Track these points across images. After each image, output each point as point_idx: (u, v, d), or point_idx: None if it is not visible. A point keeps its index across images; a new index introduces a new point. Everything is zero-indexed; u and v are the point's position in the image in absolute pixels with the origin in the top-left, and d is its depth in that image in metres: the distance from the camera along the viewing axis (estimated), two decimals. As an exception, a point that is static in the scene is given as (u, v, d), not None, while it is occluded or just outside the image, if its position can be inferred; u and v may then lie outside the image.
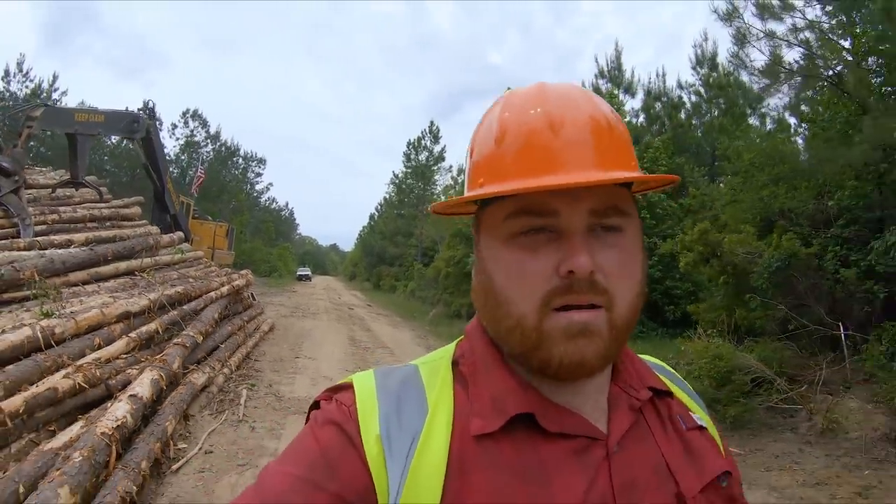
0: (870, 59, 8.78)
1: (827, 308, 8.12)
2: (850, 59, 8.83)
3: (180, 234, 13.22)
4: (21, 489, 3.34)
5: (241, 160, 54.36)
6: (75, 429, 4.25)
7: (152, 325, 6.82)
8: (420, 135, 46.21)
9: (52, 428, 4.52)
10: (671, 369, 0.88)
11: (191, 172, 36.87)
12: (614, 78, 23.30)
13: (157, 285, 8.43)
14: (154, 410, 5.05)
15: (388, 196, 51.19)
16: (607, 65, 23.41)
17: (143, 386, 4.92)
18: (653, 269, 14.00)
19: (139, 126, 12.95)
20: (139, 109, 17.30)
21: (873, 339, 7.37)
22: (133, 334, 6.25)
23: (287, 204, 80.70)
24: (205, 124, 48.63)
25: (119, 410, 4.28)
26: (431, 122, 57.27)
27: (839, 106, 9.21)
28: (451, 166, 43.85)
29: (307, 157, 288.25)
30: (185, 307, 8.02)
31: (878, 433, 6.10)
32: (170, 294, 7.76)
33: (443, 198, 37.92)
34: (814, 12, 9.42)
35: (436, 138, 45.47)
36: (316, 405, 0.73)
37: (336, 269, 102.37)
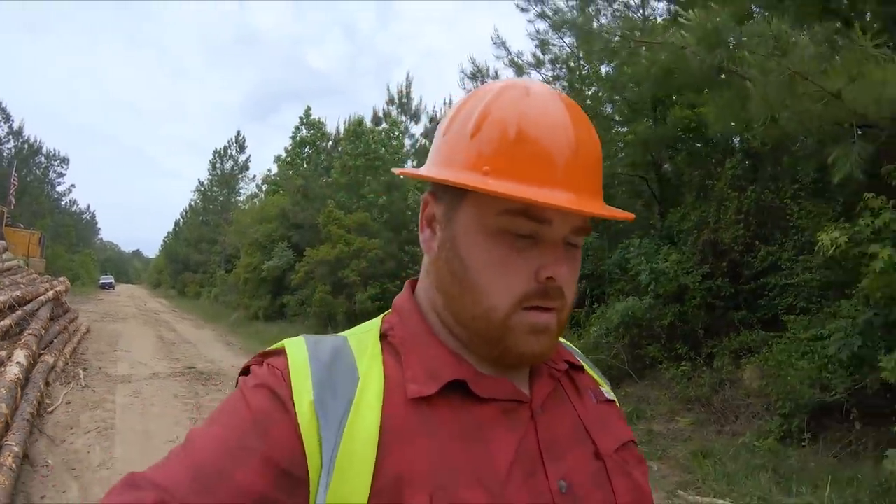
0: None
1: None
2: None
3: (3, 243, 14.78)
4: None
5: (43, 159, 52.58)
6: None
7: (6, 321, 8.97)
8: (227, 143, 47.70)
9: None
10: (579, 351, 0.96)
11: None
12: (403, 105, 26.76)
13: (2, 290, 10.44)
14: (27, 379, 7.38)
15: (193, 203, 51.69)
16: (398, 93, 26.88)
17: (21, 358, 7.26)
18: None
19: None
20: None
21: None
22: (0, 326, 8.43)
23: (89, 207, 77.69)
24: (7, 118, 47.01)
25: (14, 370, 6.67)
26: (238, 132, 58.46)
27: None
28: (254, 175, 45.71)
29: (112, 154, 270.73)
30: (25, 308, 10.13)
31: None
32: (13, 297, 9.87)
33: (243, 205, 39.50)
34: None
35: (241, 148, 47.31)
36: (245, 371, 0.73)
37: (140, 277, 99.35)
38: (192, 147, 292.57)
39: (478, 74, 14.86)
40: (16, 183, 29.10)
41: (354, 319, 17.03)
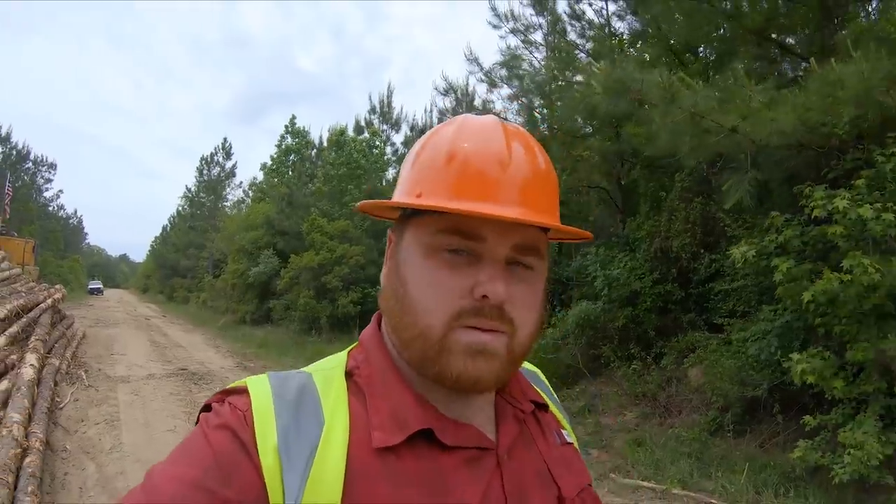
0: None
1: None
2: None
3: (2, 253, 15.63)
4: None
5: (31, 165, 53.05)
6: (2, 384, 7.44)
7: (14, 328, 9.86)
8: (213, 150, 48.47)
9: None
10: (543, 377, 0.97)
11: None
12: (384, 114, 27.68)
13: (6, 298, 11.32)
14: (39, 379, 8.27)
15: (180, 209, 52.31)
16: (379, 103, 27.81)
17: (33, 360, 8.16)
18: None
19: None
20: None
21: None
22: (8, 332, 9.32)
23: (76, 211, 78.33)
24: (-4, 126, 47.52)
25: (29, 371, 7.58)
26: (224, 139, 58.96)
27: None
28: (241, 182, 46.54)
29: (99, 157, 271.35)
30: (29, 315, 11.02)
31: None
32: (17, 305, 10.76)
33: (230, 211, 40.21)
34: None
35: (228, 155, 48.13)
36: (207, 408, 0.72)
37: (127, 282, 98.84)
38: (179, 150, 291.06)
39: (450, 90, 15.80)
40: (10, 193, 29.85)
41: (337, 323, 17.99)
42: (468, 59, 14.57)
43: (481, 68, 14.31)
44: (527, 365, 0.91)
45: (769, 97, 5.67)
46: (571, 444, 0.87)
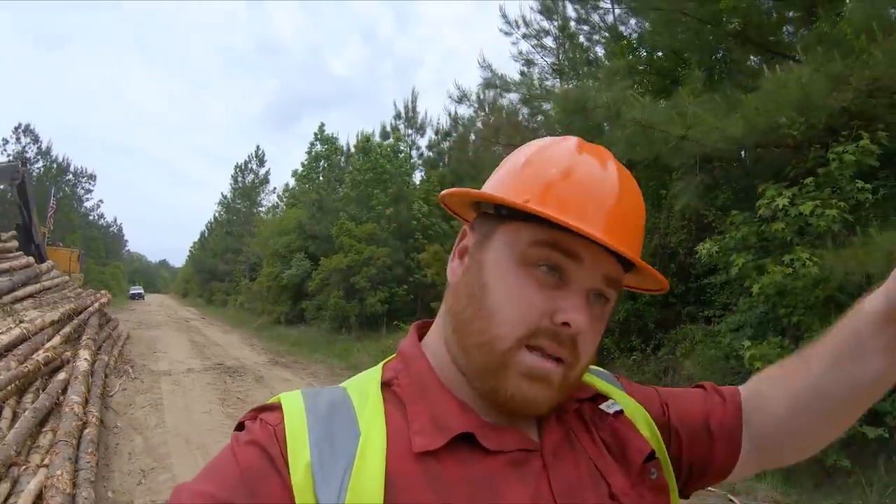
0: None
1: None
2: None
3: (51, 262, 16.86)
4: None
5: (71, 177, 54.86)
6: (61, 375, 8.44)
7: (67, 329, 10.91)
8: (247, 158, 49.97)
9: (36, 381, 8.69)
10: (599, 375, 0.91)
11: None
12: (410, 119, 28.53)
13: (58, 303, 12.43)
14: (92, 372, 9.27)
15: (217, 215, 53.82)
16: (405, 108, 28.68)
17: (86, 356, 9.18)
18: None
19: (19, 175, 16.60)
20: (15, 159, 20.73)
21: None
22: (62, 332, 10.36)
23: (115, 219, 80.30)
24: (36, 140, 49.41)
25: (83, 364, 8.58)
26: (258, 147, 60.78)
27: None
28: (274, 188, 47.90)
29: (136, 166, 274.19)
30: (79, 317, 12.10)
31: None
32: (69, 309, 11.85)
33: (264, 216, 41.30)
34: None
35: (261, 162, 49.61)
36: (240, 426, 0.71)
37: (167, 287, 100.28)
38: (215, 157, 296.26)
39: (463, 99, 16.56)
40: (54, 206, 31.39)
41: (366, 321, 18.90)
42: (481, 67, 15.37)
43: (493, 73, 15.11)
44: None
45: (723, 104, 6.37)
46: (619, 412, 0.82)
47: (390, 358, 0.81)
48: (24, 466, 5.00)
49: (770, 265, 5.91)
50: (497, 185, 0.76)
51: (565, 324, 0.68)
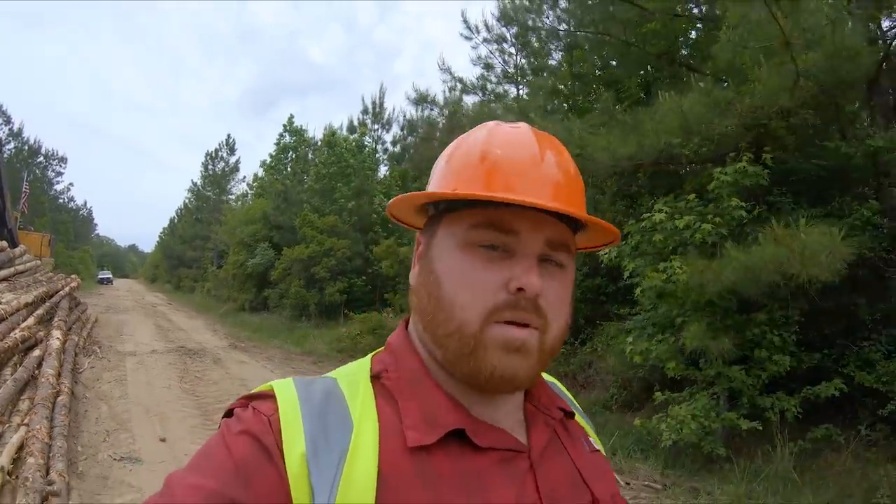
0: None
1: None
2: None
3: (23, 246, 17.65)
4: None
5: (42, 159, 54.73)
6: (36, 352, 9.39)
7: (40, 310, 11.83)
8: (218, 146, 50.41)
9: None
10: (563, 387, 0.97)
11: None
12: (376, 115, 29.35)
13: (31, 286, 13.32)
14: (64, 350, 10.22)
15: (187, 202, 54.06)
16: (372, 104, 29.51)
17: (58, 335, 10.14)
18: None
19: (-10, 156, 17.32)
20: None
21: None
22: (36, 314, 11.29)
23: (85, 203, 79.72)
24: (8, 121, 49.41)
25: (56, 342, 9.56)
26: (228, 136, 60.76)
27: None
28: (244, 177, 48.51)
29: (109, 149, 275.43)
30: (51, 300, 13.02)
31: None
32: (41, 292, 12.77)
33: (234, 205, 41.62)
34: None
35: (232, 150, 50.00)
36: (229, 413, 0.72)
37: (136, 272, 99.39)
38: (189, 141, 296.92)
39: (420, 101, 17.40)
40: (27, 191, 31.86)
41: (325, 310, 19.87)
42: (441, 69, 16.08)
43: (453, 76, 15.65)
44: (545, 376, 0.89)
45: (632, 123, 7.38)
46: (599, 451, 0.88)
47: (379, 350, 0.82)
48: (6, 425, 6.02)
49: (649, 271, 6.70)
50: (430, 185, 0.79)
51: (520, 289, 0.69)
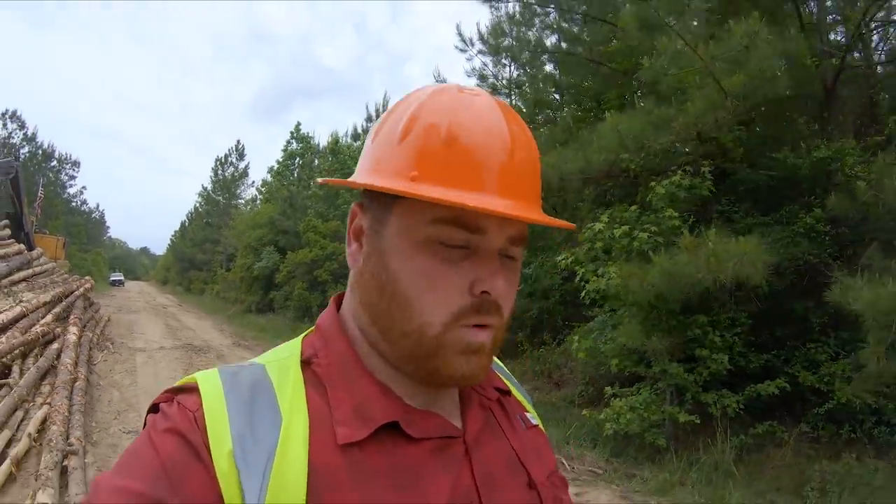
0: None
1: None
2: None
3: (40, 249, 18.70)
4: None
5: (55, 163, 55.84)
6: (54, 345, 10.34)
7: (58, 308, 12.83)
8: (227, 152, 51.35)
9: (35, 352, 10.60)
10: (499, 362, 0.94)
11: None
12: (382, 122, 30.12)
13: (48, 286, 14.34)
14: (79, 344, 11.18)
15: (198, 205, 54.91)
16: (375, 112, 30.29)
17: (74, 331, 11.11)
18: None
19: (13, 170, 18.44)
20: (8, 154, 22.53)
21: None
22: (54, 312, 12.28)
23: (98, 206, 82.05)
24: (23, 126, 50.62)
25: (72, 337, 10.52)
26: (238, 141, 61.36)
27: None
28: (253, 182, 49.30)
29: (121, 152, 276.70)
30: (67, 300, 14.03)
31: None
32: (58, 292, 13.78)
33: (244, 208, 42.52)
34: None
35: (241, 156, 50.86)
36: (154, 409, 0.68)
37: (147, 274, 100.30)
38: (201, 145, 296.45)
39: None
40: (42, 196, 33.01)
41: (327, 311, 20.72)
42: (436, 80, 16.78)
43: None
44: None
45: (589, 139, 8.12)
46: (536, 426, 0.87)
47: (310, 331, 0.79)
48: (31, 403, 6.98)
49: (590, 275, 7.41)
50: (380, 158, 0.70)
51: (485, 292, 0.67)
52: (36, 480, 4.90)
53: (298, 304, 21.79)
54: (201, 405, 0.64)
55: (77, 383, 7.93)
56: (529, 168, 0.70)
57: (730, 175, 8.16)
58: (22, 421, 6.39)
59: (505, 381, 0.88)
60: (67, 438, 5.82)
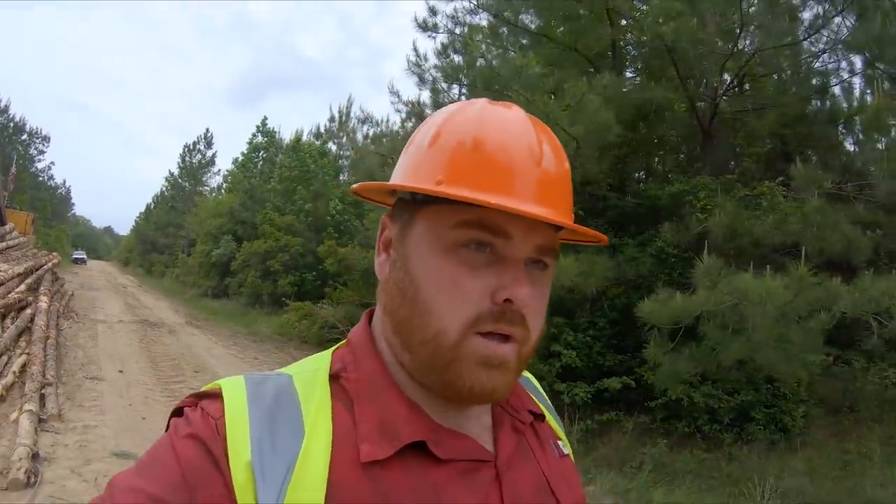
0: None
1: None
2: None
3: (12, 224, 20.17)
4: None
5: (26, 137, 55.84)
6: (28, 311, 12.02)
7: (30, 279, 14.48)
8: (196, 139, 52.33)
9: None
10: (537, 383, 0.92)
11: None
12: (342, 124, 31.56)
13: (20, 259, 15.98)
14: (49, 311, 12.86)
15: (164, 190, 55.60)
16: (339, 113, 31.66)
17: (45, 300, 12.80)
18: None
19: (-13, 144, 19.82)
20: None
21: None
22: (26, 283, 13.95)
23: (64, 182, 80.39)
24: (-5, 98, 50.38)
25: (44, 304, 12.23)
26: (207, 130, 61.17)
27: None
28: (219, 170, 50.62)
29: (90, 128, 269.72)
30: (37, 273, 15.68)
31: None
32: (30, 265, 15.43)
33: (208, 196, 43.18)
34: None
35: (209, 144, 52.02)
36: (178, 412, 0.68)
37: (110, 254, 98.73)
38: (174, 127, 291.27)
39: (367, 121, 19.70)
40: (14, 172, 34.03)
41: (276, 300, 22.34)
42: (391, 93, 18.37)
43: (400, 99, 17.88)
44: (524, 372, 0.82)
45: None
46: (567, 455, 0.83)
47: (340, 344, 0.78)
48: (12, 353, 8.78)
49: None
50: (408, 166, 0.71)
51: (508, 300, 0.65)
52: (21, 398, 6.73)
53: (251, 290, 23.39)
54: (224, 413, 0.64)
55: (49, 340, 9.72)
56: (558, 177, 0.69)
57: (604, 200, 9.85)
58: (6, 365, 8.19)
59: (539, 405, 0.86)
60: (44, 375, 7.66)
